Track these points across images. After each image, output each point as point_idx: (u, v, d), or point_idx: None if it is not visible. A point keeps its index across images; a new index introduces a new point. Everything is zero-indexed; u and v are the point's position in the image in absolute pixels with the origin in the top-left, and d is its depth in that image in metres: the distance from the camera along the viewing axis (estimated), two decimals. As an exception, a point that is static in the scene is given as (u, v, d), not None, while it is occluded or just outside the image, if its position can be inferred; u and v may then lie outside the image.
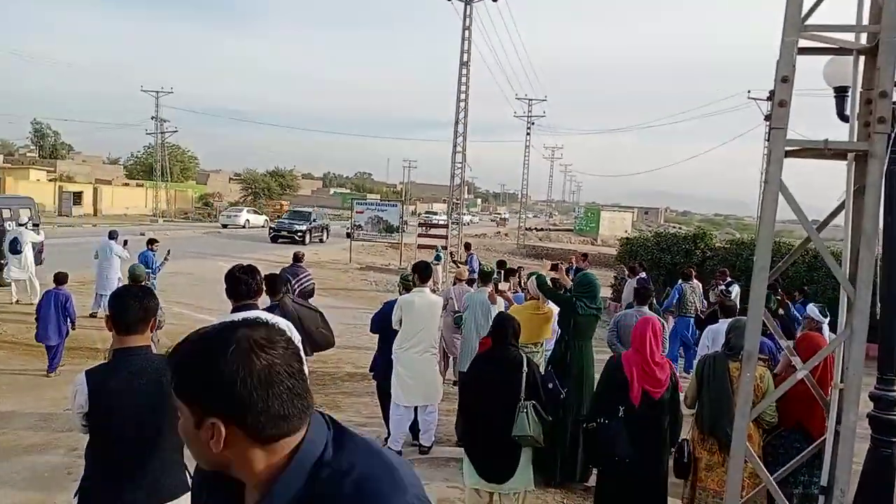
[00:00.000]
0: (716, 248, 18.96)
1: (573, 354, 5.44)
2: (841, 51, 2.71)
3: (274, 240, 31.06)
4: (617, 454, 4.22)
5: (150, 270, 11.65)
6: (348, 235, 34.37)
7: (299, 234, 31.46)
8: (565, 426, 5.41)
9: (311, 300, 10.59)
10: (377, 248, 30.54)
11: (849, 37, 2.65)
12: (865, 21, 2.58)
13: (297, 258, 10.60)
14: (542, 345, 6.11)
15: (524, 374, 4.26)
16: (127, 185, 56.42)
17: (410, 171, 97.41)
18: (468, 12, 26.14)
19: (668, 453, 4.38)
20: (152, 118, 51.65)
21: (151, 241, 12.29)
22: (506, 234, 55.73)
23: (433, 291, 8.14)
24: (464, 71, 26.37)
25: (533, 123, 50.92)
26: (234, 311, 3.52)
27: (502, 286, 7.74)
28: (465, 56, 26.32)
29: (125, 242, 13.13)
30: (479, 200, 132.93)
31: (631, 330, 6.56)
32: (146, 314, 2.76)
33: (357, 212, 26.11)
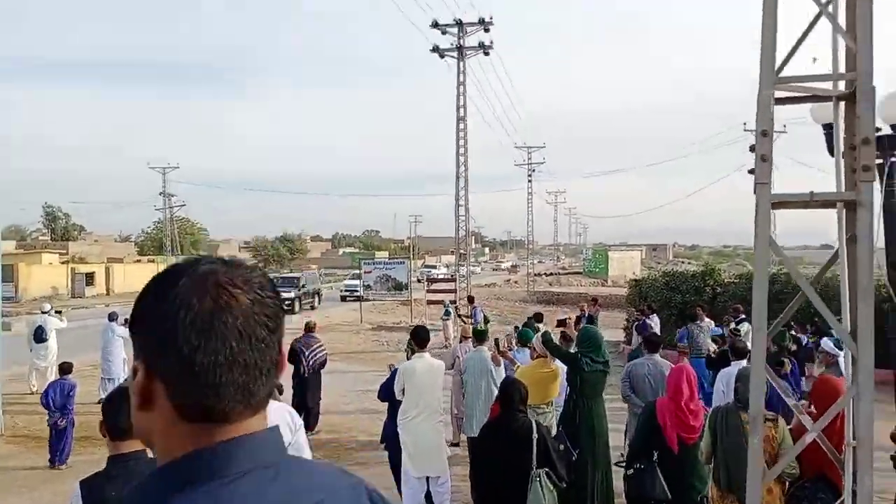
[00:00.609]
0: (725, 284, 18.76)
1: (583, 412, 5.30)
2: (819, 98, 2.68)
3: None
4: (652, 497, 4.48)
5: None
6: (343, 299, 34.47)
7: (287, 302, 29.02)
8: (583, 486, 5.22)
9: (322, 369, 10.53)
10: (387, 307, 30.49)
11: (827, 84, 2.62)
12: (842, 69, 2.55)
13: (309, 328, 10.51)
14: (552, 404, 5.95)
15: (535, 442, 4.15)
16: (139, 261, 56.94)
17: (417, 225, 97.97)
18: (461, 67, 26.65)
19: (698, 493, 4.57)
20: (160, 194, 52.60)
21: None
22: (515, 282, 55.58)
23: (443, 348, 8.15)
24: (461, 126, 26.72)
25: (533, 170, 51.43)
26: None
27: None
28: (462, 111, 26.71)
29: (126, 321, 13.11)
30: (486, 249, 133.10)
31: (642, 379, 6.49)
32: None
33: (365, 272, 26.15)
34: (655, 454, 4.59)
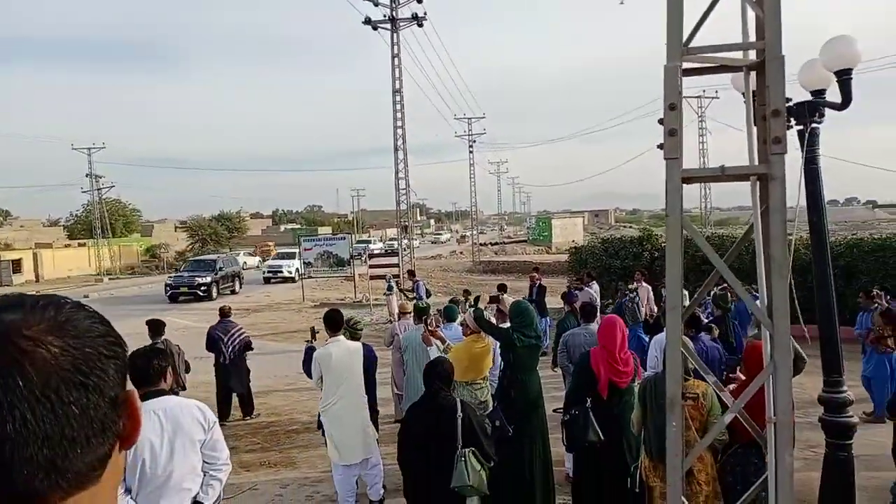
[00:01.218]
0: (663, 248, 19.10)
1: (517, 388, 5.26)
2: (729, 69, 2.61)
3: (173, 298, 26.20)
4: (587, 440, 4.67)
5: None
6: (266, 281, 33.37)
7: (203, 288, 26.54)
8: (521, 460, 5.20)
9: (250, 352, 10.21)
10: (331, 283, 30.11)
11: (737, 54, 2.55)
12: (752, 37, 2.48)
13: (224, 313, 10.11)
14: (486, 378, 5.90)
15: (459, 420, 4.08)
16: (69, 245, 54.62)
17: (360, 199, 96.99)
18: (395, 39, 26.17)
19: (634, 437, 4.69)
20: (87, 175, 50.27)
21: None
22: (461, 253, 55.75)
23: (388, 324, 8.05)
24: (397, 98, 26.35)
25: (474, 141, 51.26)
26: (141, 399, 3.23)
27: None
28: (398, 83, 26.32)
29: None
30: (431, 221, 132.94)
31: (579, 349, 6.52)
32: None
33: (305, 249, 25.65)
34: (588, 401, 4.77)
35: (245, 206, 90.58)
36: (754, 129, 2.46)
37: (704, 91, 51.31)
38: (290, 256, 34.82)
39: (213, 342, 9.77)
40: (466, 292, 15.10)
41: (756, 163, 2.35)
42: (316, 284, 28.44)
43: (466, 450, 4.00)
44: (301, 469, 7.46)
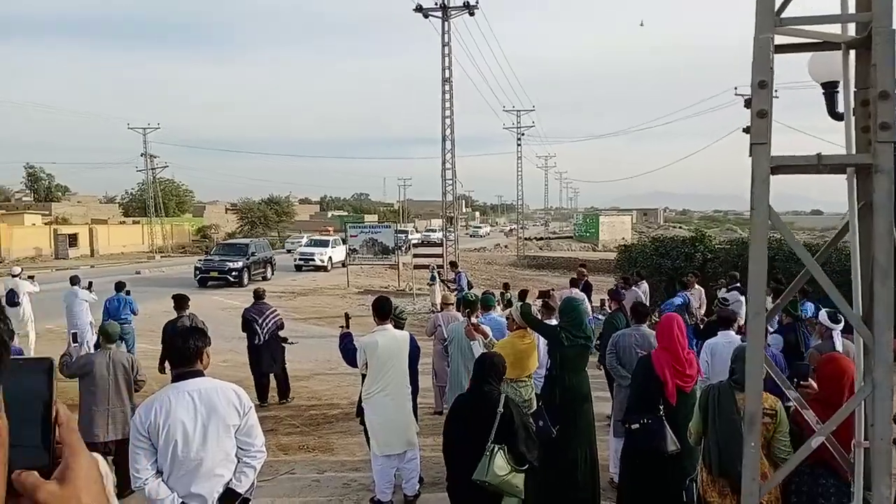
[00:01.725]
0: (716, 250, 18.51)
1: (563, 388, 5.05)
2: (826, 45, 2.34)
3: (202, 283, 24.54)
4: (665, 451, 4.43)
5: (125, 317, 11.30)
6: (297, 268, 31.27)
7: (234, 273, 24.79)
8: (567, 463, 5.01)
9: (291, 338, 10.22)
10: (376, 271, 30.17)
11: (835, 28, 2.27)
12: (852, 9, 2.20)
13: (259, 296, 10.08)
14: (531, 377, 5.68)
15: (498, 415, 3.93)
16: (123, 223, 56.19)
17: (406, 188, 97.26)
18: (446, 28, 25.93)
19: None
20: (141, 155, 51.59)
21: (120, 286, 11.87)
22: (505, 247, 55.37)
23: (431, 313, 7.96)
24: (446, 87, 26.13)
25: (523, 134, 50.74)
26: (176, 379, 3.15)
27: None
28: (447, 72, 26.09)
29: (89, 284, 12.80)
30: (477, 213, 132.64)
31: (629, 350, 6.24)
32: None
33: (352, 235, 25.76)
34: (661, 408, 4.57)
35: (294, 192, 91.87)
36: (852, 118, 2.20)
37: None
38: (324, 244, 33.47)
39: (247, 324, 9.77)
40: (506, 286, 14.90)
41: (854, 152, 2.08)
42: (361, 271, 28.53)
43: (496, 446, 3.85)
44: (339, 455, 7.39)
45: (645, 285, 13.99)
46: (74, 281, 12.65)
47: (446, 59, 26.08)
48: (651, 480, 4.73)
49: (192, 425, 3.00)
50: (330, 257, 32.18)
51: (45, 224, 47.06)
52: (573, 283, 13.40)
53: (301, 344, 13.98)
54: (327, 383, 11.21)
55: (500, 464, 3.79)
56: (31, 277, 13.84)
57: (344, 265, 30.86)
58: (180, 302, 9.26)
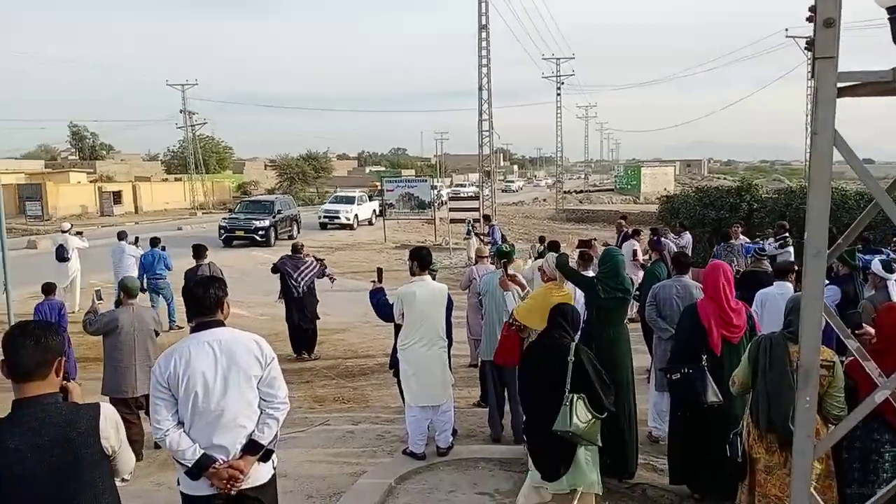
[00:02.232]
0: (763, 199, 17.88)
1: (599, 342, 4.88)
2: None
3: (227, 242, 23.25)
4: (705, 402, 4.31)
5: (160, 272, 11.44)
6: (322, 226, 29.37)
7: (261, 232, 23.54)
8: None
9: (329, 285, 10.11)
10: (413, 226, 30.14)
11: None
12: None
13: (296, 249, 10.07)
14: None
15: (570, 363, 3.88)
16: (166, 180, 57.18)
17: (443, 142, 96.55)
18: (484, -27, 25.18)
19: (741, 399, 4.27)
20: (180, 112, 52.06)
21: (155, 241, 11.99)
22: (544, 200, 54.72)
23: (465, 267, 7.86)
24: (483, 35, 25.51)
25: (562, 83, 49.35)
26: (195, 329, 3.06)
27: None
28: (483, 19, 25.44)
29: (136, 240, 12.98)
30: (515, 167, 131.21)
31: (670, 302, 6.01)
32: (47, 356, 2.29)
33: (388, 190, 25.68)
34: (704, 358, 4.43)
35: (332, 147, 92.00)
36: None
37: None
38: (349, 201, 31.62)
39: (281, 276, 9.75)
40: (541, 239, 14.74)
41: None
42: (398, 226, 28.52)
43: (574, 395, 3.81)
44: (373, 408, 7.40)
45: (688, 236, 13.60)
46: (122, 236, 12.89)
47: (482, 4, 25.39)
48: (695, 433, 4.59)
49: (213, 375, 2.91)
50: (356, 215, 30.81)
51: (90, 182, 48.18)
52: (625, 237, 13.09)
53: (338, 297, 14.04)
54: (363, 336, 11.24)
55: (581, 413, 3.78)
56: (79, 233, 14.14)
57: (370, 223, 30.69)
58: (199, 251, 9.83)
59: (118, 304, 6.31)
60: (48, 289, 8.38)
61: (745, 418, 3.88)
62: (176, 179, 56.28)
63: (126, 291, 6.18)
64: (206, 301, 3.02)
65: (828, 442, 2.21)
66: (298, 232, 26.17)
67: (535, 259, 10.10)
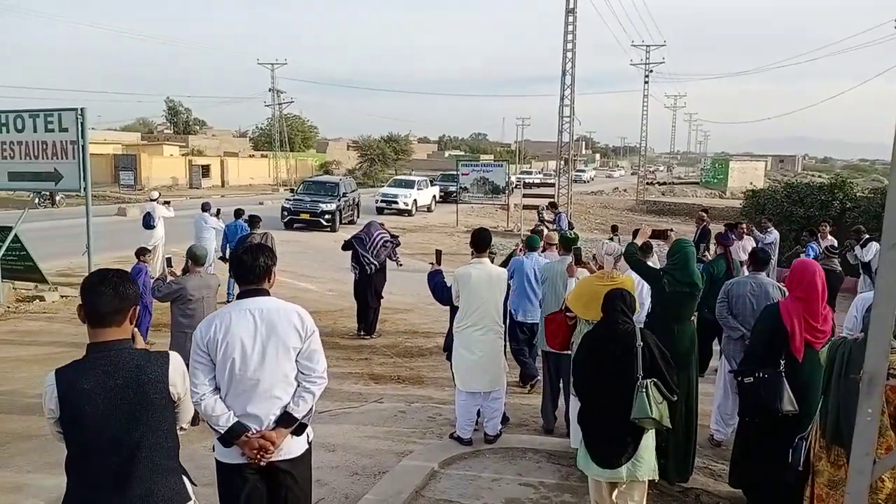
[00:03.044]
0: (857, 199, 16.75)
1: (661, 339, 4.64)
2: None
3: (289, 225, 22.06)
4: (780, 410, 4.08)
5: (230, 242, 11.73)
6: (379, 211, 26.59)
7: (327, 216, 22.13)
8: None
9: (393, 252, 9.94)
10: (486, 210, 30.06)
11: None
12: None
13: (371, 226, 10.00)
14: None
15: (639, 349, 3.81)
16: (252, 156, 59.22)
17: (524, 129, 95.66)
18: (573, -46, 24.55)
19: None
20: (269, 90, 53.57)
21: (239, 212, 12.35)
22: (625, 191, 53.44)
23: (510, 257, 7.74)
24: (570, 19, 24.93)
25: (651, 71, 47.97)
26: (239, 296, 3.08)
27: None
28: (571, 2, 24.81)
29: (217, 212, 13.38)
30: (597, 156, 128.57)
31: (743, 300, 5.67)
32: (123, 303, 2.40)
33: (462, 174, 25.65)
34: (782, 363, 4.16)
35: (413, 130, 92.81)
36: None
37: None
38: (409, 185, 30.00)
39: (353, 253, 9.77)
40: (614, 228, 14.50)
41: None
42: (471, 210, 28.49)
43: (648, 381, 3.74)
44: (428, 389, 7.40)
45: (775, 233, 12.89)
46: (205, 207, 13.35)
47: (570, -13, 24.79)
48: (763, 440, 4.32)
49: (251, 344, 2.92)
50: (415, 200, 29.17)
51: (182, 155, 50.47)
52: (704, 231, 12.59)
53: (404, 277, 14.14)
54: (426, 317, 11.26)
55: (656, 398, 3.73)
56: (167, 203, 14.76)
57: (429, 209, 29.85)
58: (253, 221, 10.84)
59: (185, 271, 6.50)
60: (139, 252, 8.83)
61: (812, 425, 3.61)
62: (262, 156, 58.19)
63: (193, 259, 6.35)
64: (254, 269, 3.03)
65: (890, 461, 1.97)
66: (359, 217, 24.76)
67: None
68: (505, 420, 5.83)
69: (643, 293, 5.69)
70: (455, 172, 26.43)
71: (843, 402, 3.32)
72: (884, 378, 1.83)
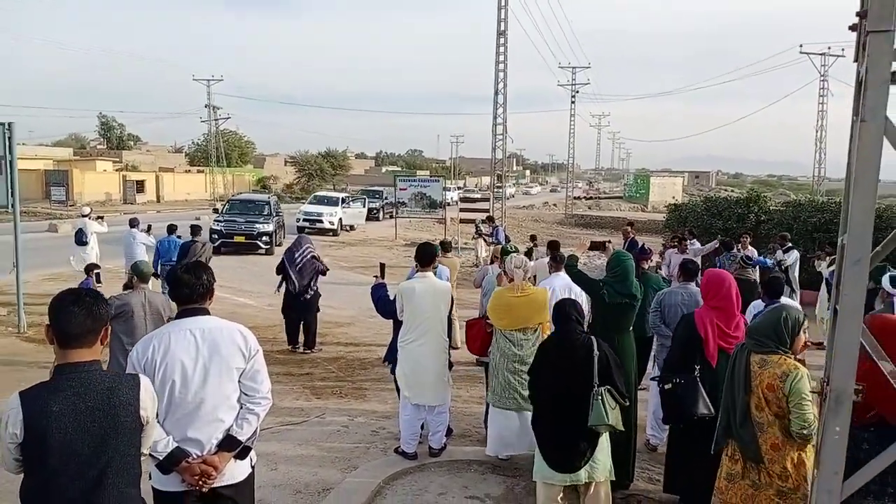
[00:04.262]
0: (771, 211, 17.90)
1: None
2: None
3: (217, 250, 18.15)
4: (695, 413, 4.22)
5: (174, 260, 11.43)
6: (300, 230, 21.23)
7: (264, 238, 20.12)
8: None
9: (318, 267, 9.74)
10: (423, 224, 30.14)
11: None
12: None
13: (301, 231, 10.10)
14: (534, 331, 5.28)
15: (595, 358, 3.96)
16: (188, 171, 57.76)
17: (458, 146, 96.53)
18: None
19: None
20: (205, 106, 52.56)
21: (172, 228, 12.06)
22: (554, 205, 54.61)
23: (473, 267, 7.84)
24: (501, 41, 25.50)
25: (577, 92, 49.45)
26: (179, 315, 2.98)
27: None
28: (503, 25, 25.44)
29: (148, 228, 13.03)
30: (527, 172, 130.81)
31: (675, 309, 5.90)
32: (96, 324, 2.35)
33: (401, 189, 25.68)
34: (697, 369, 4.34)
35: (351, 146, 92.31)
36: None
37: (829, 48, 46.47)
38: (333, 202, 27.23)
39: (282, 267, 9.63)
40: (533, 238, 15.48)
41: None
42: (409, 224, 28.54)
43: (603, 388, 3.88)
44: (370, 403, 7.35)
45: (697, 244, 13.56)
46: (133, 223, 12.99)
47: (502, 10, 25.33)
48: (688, 443, 4.52)
49: (192, 365, 2.81)
50: (340, 219, 26.65)
51: (116, 171, 48.93)
52: (632, 243, 13.02)
53: (344, 290, 14.04)
54: (367, 331, 11.20)
55: (611, 404, 3.86)
56: (100, 218, 14.29)
57: (352, 228, 27.98)
58: (195, 229, 11.41)
59: (126, 287, 6.29)
60: (90, 268, 8.75)
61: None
62: (198, 171, 56.88)
63: (139, 275, 6.14)
64: (196, 288, 2.94)
65: (859, 480, 1.97)
66: (284, 236, 21.76)
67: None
68: (449, 432, 5.86)
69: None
70: (378, 188, 26.11)
71: (729, 399, 3.54)
72: (851, 395, 1.83)
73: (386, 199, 35.16)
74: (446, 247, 10.35)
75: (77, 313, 2.31)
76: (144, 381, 2.46)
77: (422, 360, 5.37)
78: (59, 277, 14.72)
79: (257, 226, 20.30)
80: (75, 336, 2.30)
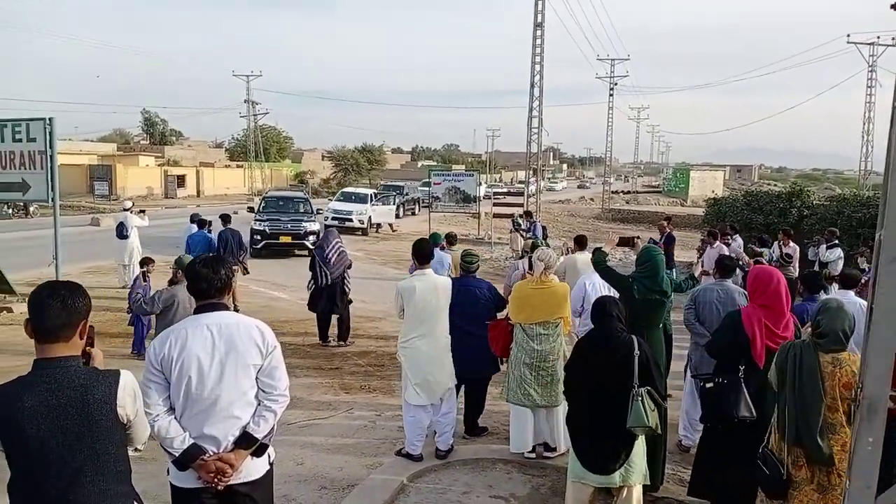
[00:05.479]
0: (814, 206, 17.28)
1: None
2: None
3: (258, 253, 18.12)
4: (737, 415, 4.06)
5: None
6: (326, 227, 22.36)
7: (311, 238, 18.41)
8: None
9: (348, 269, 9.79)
10: (458, 219, 30.07)
11: None
12: None
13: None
14: (554, 325, 5.22)
15: (636, 358, 3.85)
16: (227, 166, 58.84)
17: (494, 139, 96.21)
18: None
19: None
20: (245, 101, 53.35)
21: (203, 223, 12.09)
22: (591, 199, 54.00)
23: (507, 260, 7.79)
24: (538, 33, 25.23)
25: (616, 84, 48.82)
26: (196, 311, 2.95)
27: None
28: (539, 17, 25.15)
29: (209, 224, 12.91)
30: (564, 166, 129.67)
31: (710, 306, 5.73)
32: (72, 317, 2.28)
33: (435, 183, 25.64)
34: (741, 369, 4.16)
35: (388, 141, 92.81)
36: None
37: (879, 38, 44.60)
38: (363, 199, 26.32)
39: (312, 262, 9.61)
40: (581, 238, 14.89)
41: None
42: (443, 218, 28.50)
43: (643, 389, 3.79)
44: (398, 398, 7.32)
45: (739, 240, 13.20)
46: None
47: (539, 3, 25.06)
48: (725, 446, 4.33)
49: (209, 361, 2.79)
50: (370, 217, 25.69)
51: (158, 166, 50.04)
52: (668, 238, 12.83)
53: (376, 285, 14.07)
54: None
55: (650, 406, 3.77)
56: (141, 212, 14.52)
57: (380, 227, 27.27)
58: (225, 218, 11.78)
59: (171, 282, 6.34)
60: (144, 262, 8.95)
61: (769, 431, 3.64)
62: (237, 166, 57.82)
63: (183, 269, 6.22)
64: (214, 282, 2.89)
65: (893, 494, 1.81)
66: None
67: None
68: (483, 430, 5.96)
69: (588, 300, 5.79)
70: (399, 183, 25.75)
71: (800, 403, 3.37)
72: (885, 404, 1.73)
73: (406, 194, 35.12)
74: (451, 239, 10.31)
75: (52, 306, 2.26)
76: (125, 379, 2.36)
77: (425, 358, 5.26)
78: (100, 270, 15.11)
79: (304, 224, 19.14)
80: (51, 330, 2.25)
